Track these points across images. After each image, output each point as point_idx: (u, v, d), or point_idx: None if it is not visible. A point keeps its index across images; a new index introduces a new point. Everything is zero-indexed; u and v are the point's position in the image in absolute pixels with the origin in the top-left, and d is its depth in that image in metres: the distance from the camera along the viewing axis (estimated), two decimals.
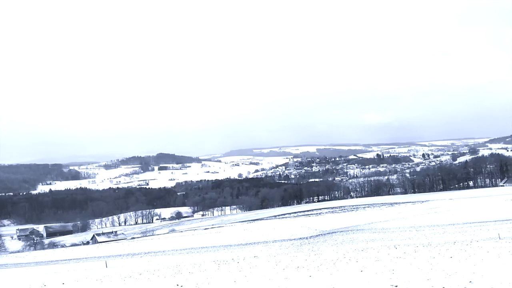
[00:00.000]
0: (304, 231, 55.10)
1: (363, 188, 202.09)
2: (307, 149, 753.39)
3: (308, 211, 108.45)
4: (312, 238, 47.45)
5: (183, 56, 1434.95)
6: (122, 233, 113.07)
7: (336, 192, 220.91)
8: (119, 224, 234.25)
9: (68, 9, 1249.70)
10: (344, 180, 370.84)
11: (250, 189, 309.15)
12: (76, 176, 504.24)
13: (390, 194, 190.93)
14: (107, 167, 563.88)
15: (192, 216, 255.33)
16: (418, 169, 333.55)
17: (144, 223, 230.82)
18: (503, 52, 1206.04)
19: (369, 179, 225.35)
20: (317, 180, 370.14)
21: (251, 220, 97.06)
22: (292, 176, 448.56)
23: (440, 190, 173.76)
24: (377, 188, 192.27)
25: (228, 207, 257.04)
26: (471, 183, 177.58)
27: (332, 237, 45.93)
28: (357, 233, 47.09)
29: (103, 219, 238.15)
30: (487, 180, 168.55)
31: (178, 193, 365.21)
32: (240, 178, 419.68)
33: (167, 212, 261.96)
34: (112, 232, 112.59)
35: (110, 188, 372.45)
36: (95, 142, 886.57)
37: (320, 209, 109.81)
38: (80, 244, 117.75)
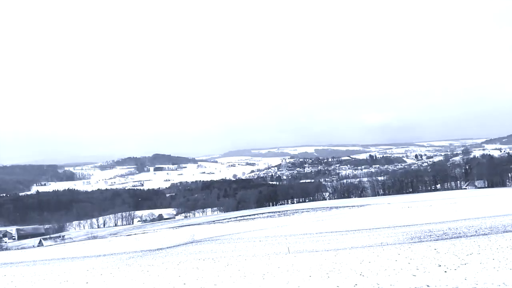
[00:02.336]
0: (175, 240, 55.57)
1: (336, 190, 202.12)
2: (305, 150, 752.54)
3: (253, 215, 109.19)
4: (160, 250, 47.77)
5: (181, 57, 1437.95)
6: (70, 237, 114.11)
7: (313, 194, 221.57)
8: (98, 226, 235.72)
9: (67, 10, 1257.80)
10: (335, 181, 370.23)
11: (237, 190, 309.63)
12: (71, 177, 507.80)
13: (361, 197, 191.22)
14: (102, 167, 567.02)
15: (174, 217, 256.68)
16: (408, 170, 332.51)
17: (124, 225, 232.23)
18: (503, 53, 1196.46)
19: (342, 181, 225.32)
20: (307, 181, 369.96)
21: (180, 226, 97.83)
22: (284, 177, 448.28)
23: (408, 192, 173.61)
24: (348, 191, 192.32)
25: (210, 209, 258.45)
26: (441, 185, 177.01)
27: (175, 249, 46.26)
28: (207, 243, 47.37)
29: (81, 221, 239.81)
30: (454, 183, 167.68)
31: (167, 195, 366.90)
32: (230, 179, 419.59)
33: (152, 213, 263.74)
34: (60, 236, 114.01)
35: (98, 189, 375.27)
36: (91, 143, 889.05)
37: (263, 213, 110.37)
38: (30, 247, 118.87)
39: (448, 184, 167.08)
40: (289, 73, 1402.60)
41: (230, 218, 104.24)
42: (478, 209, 60.04)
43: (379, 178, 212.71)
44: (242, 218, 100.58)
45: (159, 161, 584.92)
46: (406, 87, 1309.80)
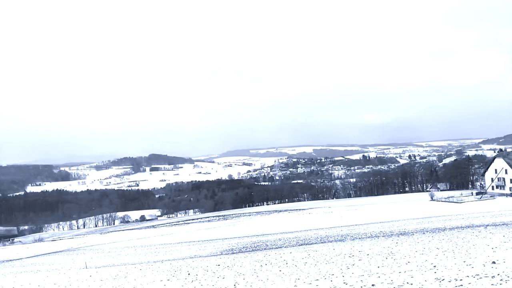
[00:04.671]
0: (56, 248, 55.74)
1: (309, 192, 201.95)
2: (303, 150, 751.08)
3: (197, 219, 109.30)
4: (21, 259, 47.98)
5: (178, 55, 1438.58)
6: (20, 241, 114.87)
7: (287, 196, 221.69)
8: (78, 227, 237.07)
9: (66, 9, 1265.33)
10: (326, 181, 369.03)
11: (225, 191, 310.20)
12: (66, 177, 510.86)
13: (334, 198, 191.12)
14: (98, 168, 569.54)
15: (157, 218, 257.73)
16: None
17: (104, 226, 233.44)
18: (503, 52, 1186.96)
19: (314, 184, 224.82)
20: (300, 181, 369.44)
21: (106, 232, 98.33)
22: (277, 178, 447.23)
23: (378, 194, 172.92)
24: (319, 192, 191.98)
25: (192, 210, 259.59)
26: (409, 187, 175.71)
27: (33, 258, 46.37)
28: (69, 253, 47.50)
29: (61, 222, 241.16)
30: (420, 185, 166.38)
31: (157, 195, 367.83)
32: (220, 180, 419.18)
33: (135, 214, 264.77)
34: (9, 240, 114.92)
35: (87, 189, 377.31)
36: (88, 143, 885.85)
37: (208, 217, 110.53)
38: None
39: (415, 187, 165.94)
40: (288, 73, 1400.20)
41: (171, 223, 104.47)
42: (359, 217, 59.53)
43: (351, 180, 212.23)
44: (184, 222, 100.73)
45: (155, 161, 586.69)
46: (406, 87, 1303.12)
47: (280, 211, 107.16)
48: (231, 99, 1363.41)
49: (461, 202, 76.34)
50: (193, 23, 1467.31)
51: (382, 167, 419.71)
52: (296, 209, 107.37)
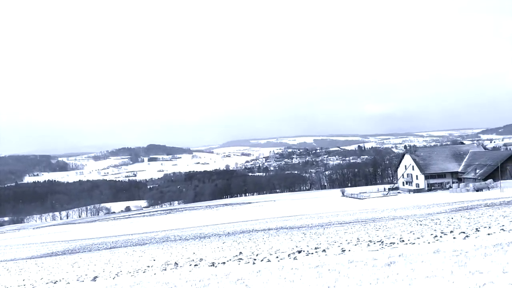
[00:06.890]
0: None
1: (283, 182, 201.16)
2: (304, 140, 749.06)
3: (144, 213, 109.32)
4: None
5: (179, 47, 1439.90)
6: None
7: (265, 187, 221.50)
8: (61, 219, 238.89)
9: (66, 6, 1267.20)
10: (319, 172, 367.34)
11: (216, 181, 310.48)
12: (64, 167, 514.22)
13: (309, 190, 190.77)
14: (96, 158, 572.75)
15: (142, 209, 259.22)
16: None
17: (87, 217, 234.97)
18: (504, 43, 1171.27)
19: (307, 175, 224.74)
20: (294, 172, 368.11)
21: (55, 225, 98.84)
22: (272, 168, 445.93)
23: (349, 186, 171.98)
24: (292, 184, 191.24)
25: (177, 201, 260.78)
26: (380, 179, 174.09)
27: None
28: None
29: (43, 214, 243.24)
30: (389, 178, 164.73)
31: (149, 186, 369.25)
32: (212, 170, 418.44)
33: (122, 205, 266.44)
34: None
35: (79, 180, 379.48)
36: (88, 134, 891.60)
37: (156, 211, 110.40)
38: None
39: (386, 179, 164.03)
40: (289, 63, 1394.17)
41: (117, 217, 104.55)
42: (250, 214, 58.62)
43: (327, 172, 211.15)
44: (129, 216, 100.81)
45: (153, 151, 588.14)
46: (408, 78, 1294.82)
47: (233, 204, 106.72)
48: (232, 89, 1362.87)
49: (363, 199, 75.08)
50: (194, 13, 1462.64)
51: (353, 159, 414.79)
52: (249, 202, 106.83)
